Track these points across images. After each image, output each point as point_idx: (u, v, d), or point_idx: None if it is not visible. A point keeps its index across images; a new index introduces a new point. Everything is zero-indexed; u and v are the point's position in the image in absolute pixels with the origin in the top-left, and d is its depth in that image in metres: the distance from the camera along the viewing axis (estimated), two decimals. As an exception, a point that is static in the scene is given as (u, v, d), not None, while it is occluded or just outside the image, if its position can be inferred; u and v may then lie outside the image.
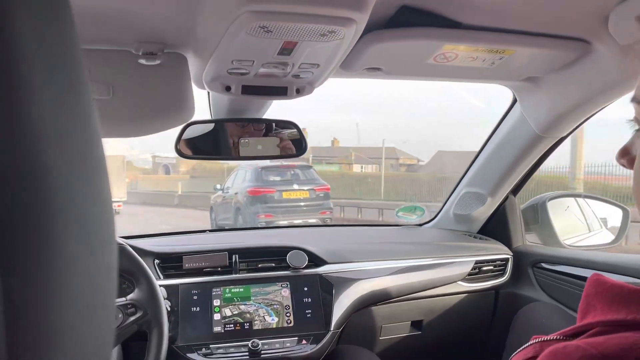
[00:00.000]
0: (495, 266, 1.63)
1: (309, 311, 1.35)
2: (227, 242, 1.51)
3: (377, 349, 1.53)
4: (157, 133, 0.97)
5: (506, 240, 1.70)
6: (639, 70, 0.60)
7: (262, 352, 1.23)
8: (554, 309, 1.46)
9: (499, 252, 1.65)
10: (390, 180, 17.92)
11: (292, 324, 1.32)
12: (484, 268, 1.61)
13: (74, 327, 0.21)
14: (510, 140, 1.51)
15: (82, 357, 0.22)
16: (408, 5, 0.90)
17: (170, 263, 1.36)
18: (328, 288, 1.39)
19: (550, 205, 1.72)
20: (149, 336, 1.05)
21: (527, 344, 0.54)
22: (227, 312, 1.31)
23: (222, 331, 1.28)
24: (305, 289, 1.37)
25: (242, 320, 1.30)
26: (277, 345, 1.27)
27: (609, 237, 1.72)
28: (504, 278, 1.64)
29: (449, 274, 1.55)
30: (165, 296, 1.23)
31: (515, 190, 1.70)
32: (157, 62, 0.89)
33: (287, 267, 1.40)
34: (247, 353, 1.23)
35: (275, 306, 1.34)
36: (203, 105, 1.20)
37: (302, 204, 8.89)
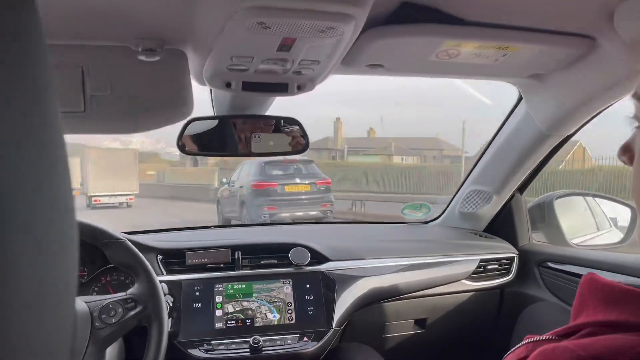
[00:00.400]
0: (500, 265, 1.62)
1: (311, 308, 1.35)
2: (230, 238, 1.52)
3: (380, 346, 1.52)
4: (156, 129, 0.98)
5: (512, 238, 1.68)
6: None
7: (264, 348, 1.24)
8: (560, 309, 1.44)
9: (504, 250, 1.63)
10: (444, 173, 16.57)
11: (293, 321, 1.32)
12: (489, 267, 1.60)
13: (21, 334, 0.20)
14: (515, 138, 1.49)
15: None
16: (409, 1, 0.89)
17: (173, 259, 1.37)
18: (330, 285, 1.38)
19: (557, 204, 1.70)
20: (149, 331, 1.05)
21: (520, 344, 0.54)
22: (229, 308, 1.31)
23: (224, 327, 1.29)
24: (308, 286, 1.37)
25: (243, 317, 1.31)
26: (279, 342, 1.27)
27: (618, 236, 1.70)
28: (509, 277, 1.62)
29: (454, 272, 1.54)
30: (167, 292, 1.23)
31: (522, 189, 1.68)
32: (157, 58, 0.89)
33: (290, 264, 1.40)
34: (248, 349, 1.23)
35: (277, 303, 1.34)
36: (205, 101, 1.21)
37: (303, 197, 9.07)
